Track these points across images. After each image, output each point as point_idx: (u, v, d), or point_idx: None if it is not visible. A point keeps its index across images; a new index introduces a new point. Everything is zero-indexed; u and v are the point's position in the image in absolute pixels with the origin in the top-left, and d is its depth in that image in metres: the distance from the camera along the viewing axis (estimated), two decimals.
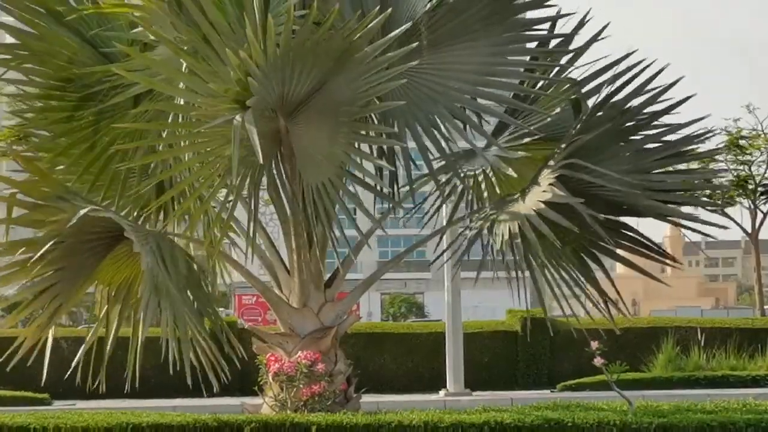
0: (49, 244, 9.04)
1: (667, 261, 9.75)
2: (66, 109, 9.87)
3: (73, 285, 9.46)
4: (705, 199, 10.37)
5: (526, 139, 10.34)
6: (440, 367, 22.22)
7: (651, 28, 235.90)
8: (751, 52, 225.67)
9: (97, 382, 9.53)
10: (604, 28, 9.72)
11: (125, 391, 9.70)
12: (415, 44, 8.88)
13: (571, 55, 9.87)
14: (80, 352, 9.68)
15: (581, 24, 9.74)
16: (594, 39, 9.72)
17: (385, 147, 9.68)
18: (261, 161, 8.19)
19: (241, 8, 8.49)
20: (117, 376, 9.73)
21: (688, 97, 9.52)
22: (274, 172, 9.41)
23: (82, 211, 8.81)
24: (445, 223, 10.62)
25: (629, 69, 9.50)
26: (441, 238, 10.67)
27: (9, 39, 9.92)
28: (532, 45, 10.01)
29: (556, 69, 10.00)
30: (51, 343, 9.77)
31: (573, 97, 9.90)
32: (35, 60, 9.73)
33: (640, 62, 9.46)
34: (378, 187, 9.33)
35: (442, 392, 21.73)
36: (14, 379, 21.41)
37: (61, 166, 10.05)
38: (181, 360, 8.66)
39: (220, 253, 10.10)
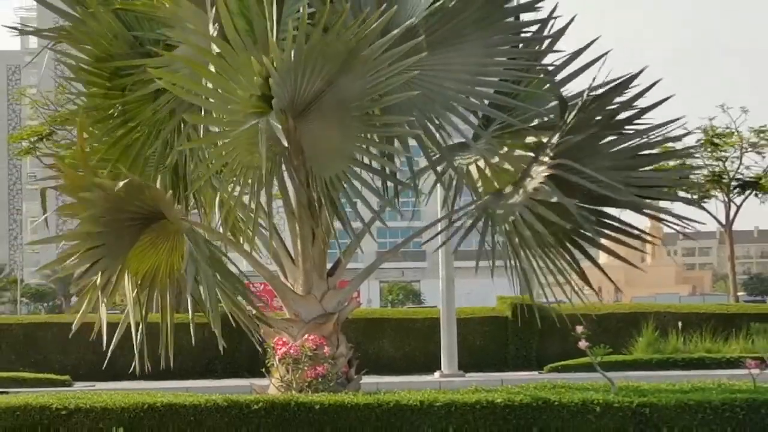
0: (90, 213, 9.05)
1: (648, 241, 9.81)
2: (103, 87, 10.01)
3: (116, 260, 9.33)
4: (681, 194, 10.39)
5: (515, 128, 10.32)
6: (435, 350, 22.21)
7: (650, 31, 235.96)
8: (751, 53, 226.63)
9: (132, 366, 9.43)
10: (571, 22, 9.73)
11: (147, 371, 9.67)
12: (421, 38, 8.89)
13: (557, 55, 9.87)
14: (115, 337, 9.49)
15: (548, 18, 9.70)
16: (564, 30, 9.70)
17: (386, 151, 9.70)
18: (287, 145, 8.27)
19: (260, 16, 8.51)
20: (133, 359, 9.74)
21: (665, 99, 9.57)
22: (283, 168, 9.45)
23: (125, 181, 8.85)
24: (440, 215, 10.63)
25: (597, 58, 9.53)
26: (439, 231, 10.67)
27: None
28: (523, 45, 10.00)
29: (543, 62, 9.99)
30: (103, 320, 9.71)
31: (557, 92, 9.90)
32: (86, 38, 9.84)
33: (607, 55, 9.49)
34: (383, 181, 9.40)
35: (436, 374, 21.74)
36: (38, 361, 21.47)
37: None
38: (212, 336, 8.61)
39: (233, 242, 10.13)
